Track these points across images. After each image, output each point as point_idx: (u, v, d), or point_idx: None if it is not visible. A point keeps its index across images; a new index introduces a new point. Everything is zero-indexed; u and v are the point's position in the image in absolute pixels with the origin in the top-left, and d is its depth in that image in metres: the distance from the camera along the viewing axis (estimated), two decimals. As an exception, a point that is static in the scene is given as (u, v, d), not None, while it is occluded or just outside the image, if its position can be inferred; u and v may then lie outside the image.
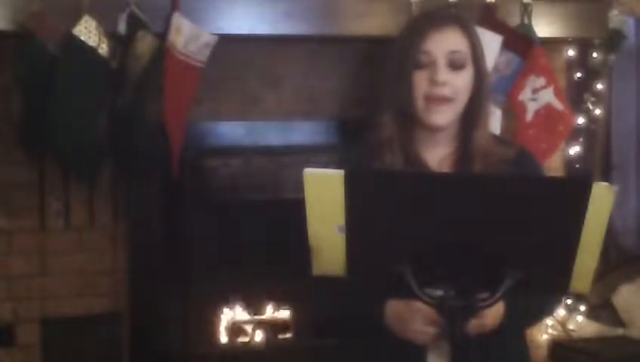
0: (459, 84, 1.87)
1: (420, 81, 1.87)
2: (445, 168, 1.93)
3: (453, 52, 1.87)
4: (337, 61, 3.62)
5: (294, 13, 3.35)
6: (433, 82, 1.86)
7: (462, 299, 1.55)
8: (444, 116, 1.88)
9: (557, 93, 3.60)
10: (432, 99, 1.87)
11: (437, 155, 1.94)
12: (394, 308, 1.80)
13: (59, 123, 2.99)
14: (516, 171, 1.91)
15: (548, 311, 2.08)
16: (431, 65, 1.87)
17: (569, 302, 3.91)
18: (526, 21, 3.56)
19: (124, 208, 3.41)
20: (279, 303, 3.77)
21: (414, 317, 1.76)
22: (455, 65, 1.87)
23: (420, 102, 1.88)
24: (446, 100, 1.87)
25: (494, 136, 2.00)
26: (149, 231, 3.46)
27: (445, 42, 1.87)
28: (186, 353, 3.56)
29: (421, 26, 1.91)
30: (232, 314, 3.73)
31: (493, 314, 1.76)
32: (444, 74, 1.86)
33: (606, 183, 1.51)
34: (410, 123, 1.92)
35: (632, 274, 4.04)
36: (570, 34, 3.76)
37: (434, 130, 1.91)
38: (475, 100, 1.91)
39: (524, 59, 3.53)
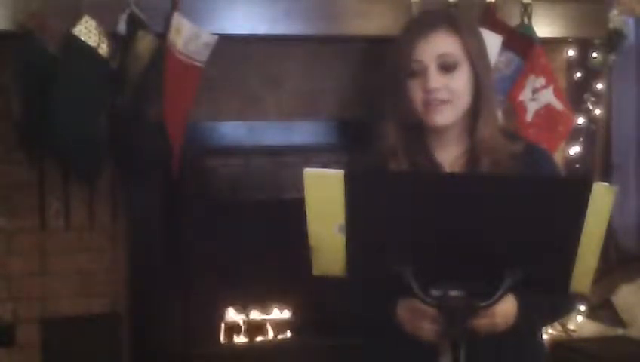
0: (454, 85, 1.87)
1: (415, 90, 1.87)
2: (457, 168, 1.93)
3: (442, 55, 1.86)
4: (337, 61, 3.63)
5: (294, 13, 3.35)
6: (426, 89, 1.86)
7: (462, 299, 1.55)
8: (444, 116, 1.88)
9: (557, 93, 3.60)
10: (430, 104, 1.87)
11: (449, 156, 1.94)
12: (405, 306, 1.78)
13: (59, 123, 2.99)
14: (524, 167, 1.89)
15: (564, 310, 2.06)
16: (423, 72, 1.86)
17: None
18: (526, 21, 3.56)
19: (124, 208, 3.41)
20: (279, 303, 3.78)
21: (424, 314, 1.72)
22: (447, 68, 1.86)
23: (419, 108, 1.88)
24: (444, 102, 1.87)
25: (502, 132, 1.97)
26: (149, 231, 3.46)
27: (433, 47, 1.86)
28: (186, 353, 3.56)
29: (410, 33, 1.90)
30: (232, 314, 3.73)
31: (504, 313, 1.75)
32: (435, 80, 1.85)
33: (606, 183, 1.50)
34: (417, 128, 1.92)
35: (632, 274, 4.04)
36: (570, 34, 3.76)
37: (439, 131, 1.92)
38: (477, 97, 1.90)
39: (524, 59, 3.53)
